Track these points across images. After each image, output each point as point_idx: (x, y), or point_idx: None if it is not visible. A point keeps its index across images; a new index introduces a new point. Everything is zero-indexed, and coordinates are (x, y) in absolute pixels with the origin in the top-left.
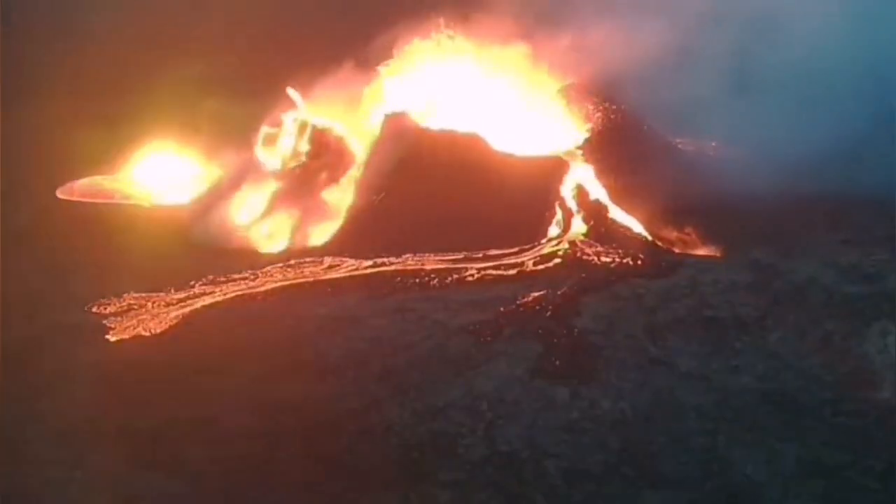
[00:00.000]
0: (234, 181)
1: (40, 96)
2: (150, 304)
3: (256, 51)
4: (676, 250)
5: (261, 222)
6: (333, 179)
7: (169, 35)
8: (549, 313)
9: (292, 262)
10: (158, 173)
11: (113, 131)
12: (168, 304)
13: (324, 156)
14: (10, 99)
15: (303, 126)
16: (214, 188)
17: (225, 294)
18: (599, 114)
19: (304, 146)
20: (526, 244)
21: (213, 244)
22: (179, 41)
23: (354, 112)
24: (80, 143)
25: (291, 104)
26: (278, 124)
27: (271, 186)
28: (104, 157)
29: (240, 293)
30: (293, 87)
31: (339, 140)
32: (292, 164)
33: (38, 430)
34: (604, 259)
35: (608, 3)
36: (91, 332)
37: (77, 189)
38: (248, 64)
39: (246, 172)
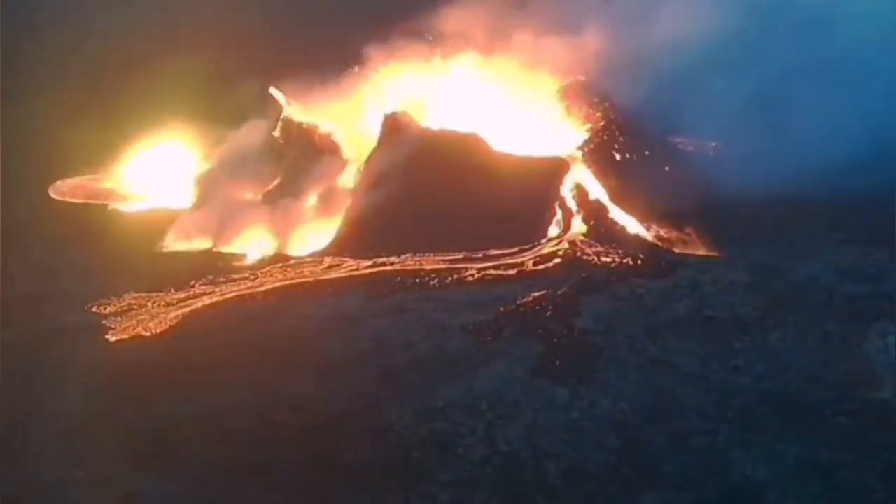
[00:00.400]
0: (227, 182)
1: (39, 95)
2: (150, 304)
3: (251, 49)
4: (676, 250)
5: (256, 221)
6: (328, 179)
7: (166, 32)
8: (549, 313)
9: (292, 262)
10: (150, 174)
11: (110, 130)
12: (168, 304)
13: (314, 155)
14: (9, 97)
15: (288, 125)
16: (207, 189)
17: (225, 294)
18: (599, 114)
19: (291, 145)
20: (526, 244)
21: (207, 246)
22: (177, 38)
23: (349, 111)
24: (80, 142)
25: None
26: (268, 123)
27: (264, 187)
28: (101, 156)
29: (240, 293)
30: (278, 86)
31: (329, 139)
32: (282, 164)
33: (39, 430)
34: (604, 259)
35: (610, 4)
36: (91, 332)
37: (66, 188)
38: (243, 62)
39: (240, 172)
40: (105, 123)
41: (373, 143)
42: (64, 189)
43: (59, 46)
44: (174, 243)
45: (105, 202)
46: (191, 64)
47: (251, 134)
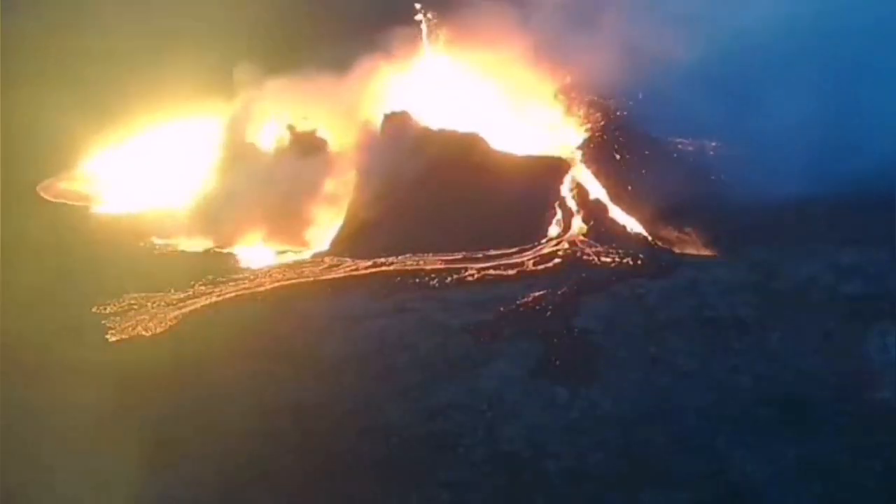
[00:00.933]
0: (223, 183)
1: (33, 92)
2: (150, 304)
3: (247, 48)
4: (676, 250)
5: (255, 221)
6: (329, 179)
7: (162, 30)
8: (549, 313)
9: (292, 261)
10: (145, 172)
11: (104, 127)
12: (168, 304)
13: (314, 156)
14: (9, 95)
15: (289, 127)
16: (203, 190)
17: (225, 294)
18: (599, 113)
19: (292, 147)
20: (526, 244)
21: (206, 246)
22: (173, 36)
23: (349, 112)
24: (73, 140)
25: (277, 105)
26: (267, 125)
27: (262, 187)
28: (94, 154)
29: (240, 293)
30: (279, 86)
31: (329, 140)
32: (281, 164)
33: (39, 431)
34: (604, 259)
35: (609, 4)
36: (91, 332)
37: (59, 188)
38: (237, 61)
39: (237, 173)
40: (100, 121)
41: (371, 141)
42: (56, 188)
43: (55, 43)
44: (172, 243)
45: (100, 201)
46: (191, 57)
47: (246, 131)
